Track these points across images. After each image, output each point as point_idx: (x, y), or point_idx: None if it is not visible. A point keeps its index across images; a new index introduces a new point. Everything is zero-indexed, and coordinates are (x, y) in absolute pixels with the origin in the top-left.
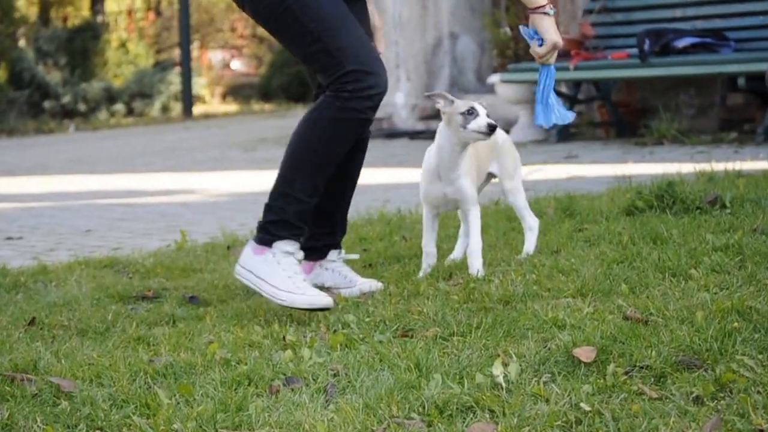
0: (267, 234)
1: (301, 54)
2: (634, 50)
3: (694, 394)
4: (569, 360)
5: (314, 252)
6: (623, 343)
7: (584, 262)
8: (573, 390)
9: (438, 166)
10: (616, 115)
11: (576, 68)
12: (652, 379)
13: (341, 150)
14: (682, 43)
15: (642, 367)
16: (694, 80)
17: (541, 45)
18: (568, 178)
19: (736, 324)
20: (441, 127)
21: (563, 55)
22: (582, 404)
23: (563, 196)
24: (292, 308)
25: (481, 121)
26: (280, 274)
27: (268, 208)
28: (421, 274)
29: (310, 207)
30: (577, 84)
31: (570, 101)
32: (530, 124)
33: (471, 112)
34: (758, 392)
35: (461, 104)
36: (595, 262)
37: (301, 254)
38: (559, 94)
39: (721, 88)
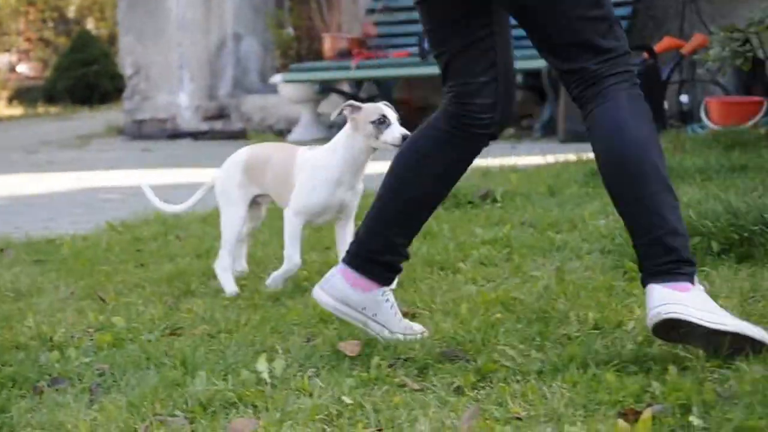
0: (691, 266)
1: (573, 16)
2: (415, 49)
3: (455, 385)
4: (334, 354)
5: (389, 271)
6: None
7: None
8: (337, 384)
9: (342, 173)
10: (397, 113)
11: (358, 67)
12: (415, 371)
13: None
14: None
15: (406, 360)
16: None
17: None
18: None
19: (499, 315)
20: (347, 134)
21: (345, 54)
22: (344, 397)
23: None
24: None
25: (396, 132)
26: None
27: (676, 232)
28: (273, 283)
29: None
30: (358, 83)
31: (351, 100)
32: (313, 122)
33: (382, 121)
34: (517, 381)
35: (370, 110)
36: None
37: None
38: (340, 93)
39: None
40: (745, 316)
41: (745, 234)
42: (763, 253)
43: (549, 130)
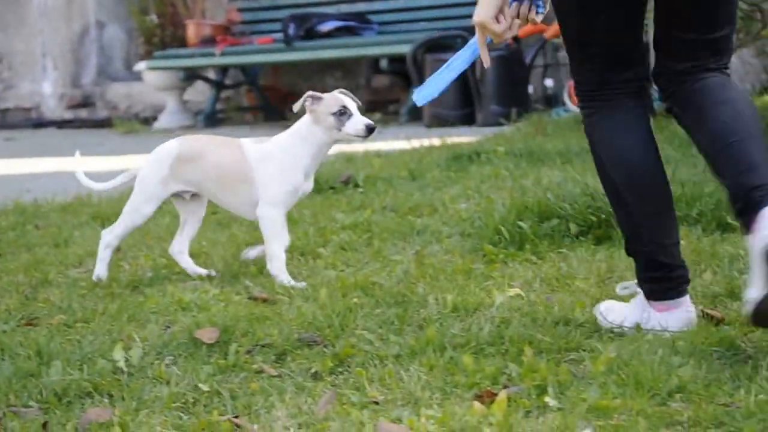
0: None
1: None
2: (280, 35)
3: (312, 370)
4: (192, 341)
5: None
6: (247, 323)
7: (215, 245)
8: (194, 371)
9: (309, 163)
10: (264, 99)
11: (222, 54)
12: (274, 357)
13: None
14: (327, 26)
15: (264, 346)
16: (340, 63)
17: (540, 11)
18: None
19: (357, 300)
20: (308, 126)
21: (210, 41)
22: (201, 385)
23: None
24: None
25: (359, 123)
26: None
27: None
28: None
29: None
30: (224, 69)
31: (217, 87)
32: (178, 110)
33: (343, 112)
34: (375, 365)
35: (330, 102)
36: (226, 245)
37: None
38: (206, 80)
39: (366, 71)
40: (603, 297)
41: (603, 216)
42: (620, 234)
43: (415, 115)
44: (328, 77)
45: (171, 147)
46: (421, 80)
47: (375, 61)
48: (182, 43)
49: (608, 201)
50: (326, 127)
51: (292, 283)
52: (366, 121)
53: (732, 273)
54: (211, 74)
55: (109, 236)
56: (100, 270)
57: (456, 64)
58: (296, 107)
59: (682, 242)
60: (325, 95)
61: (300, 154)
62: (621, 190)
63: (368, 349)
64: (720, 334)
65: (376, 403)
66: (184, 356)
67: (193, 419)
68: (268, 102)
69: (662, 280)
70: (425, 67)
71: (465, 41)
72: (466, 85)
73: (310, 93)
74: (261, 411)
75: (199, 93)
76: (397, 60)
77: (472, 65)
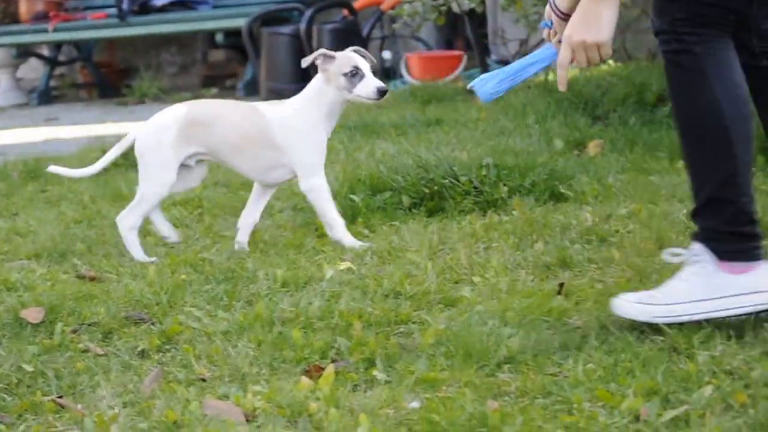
0: None
1: None
2: (114, 10)
3: (139, 348)
4: (17, 321)
5: None
6: (74, 302)
7: (43, 224)
8: (18, 351)
9: (326, 124)
10: (99, 75)
11: (55, 30)
12: (100, 336)
13: None
14: (161, 1)
15: (91, 324)
16: (176, 38)
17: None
18: (44, 140)
19: (186, 276)
20: (319, 85)
21: (42, 17)
22: (25, 365)
23: (31, 159)
24: None
25: (370, 85)
26: None
27: None
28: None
29: None
30: (57, 46)
31: (51, 63)
32: (11, 87)
33: (355, 73)
34: (202, 342)
35: (343, 61)
36: (54, 223)
37: None
38: (39, 57)
39: (202, 45)
40: (437, 271)
41: (435, 187)
42: (453, 205)
43: (252, 90)
44: (164, 52)
45: (178, 111)
46: (257, 55)
47: (211, 35)
48: (14, 19)
49: (697, 146)
50: (337, 88)
51: (361, 243)
52: (378, 83)
53: (563, 243)
54: (45, 51)
55: (131, 218)
56: (139, 254)
57: (527, 67)
58: (305, 62)
59: (514, 212)
60: (338, 54)
61: (315, 116)
62: (731, 129)
63: (196, 326)
64: (550, 305)
65: (203, 380)
66: (8, 337)
67: (17, 400)
68: (103, 78)
69: (750, 237)
70: (261, 41)
71: (301, 14)
72: (303, 57)
73: (322, 51)
74: (86, 390)
75: (33, 70)
76: (232, 34)
77: (308, 34)
